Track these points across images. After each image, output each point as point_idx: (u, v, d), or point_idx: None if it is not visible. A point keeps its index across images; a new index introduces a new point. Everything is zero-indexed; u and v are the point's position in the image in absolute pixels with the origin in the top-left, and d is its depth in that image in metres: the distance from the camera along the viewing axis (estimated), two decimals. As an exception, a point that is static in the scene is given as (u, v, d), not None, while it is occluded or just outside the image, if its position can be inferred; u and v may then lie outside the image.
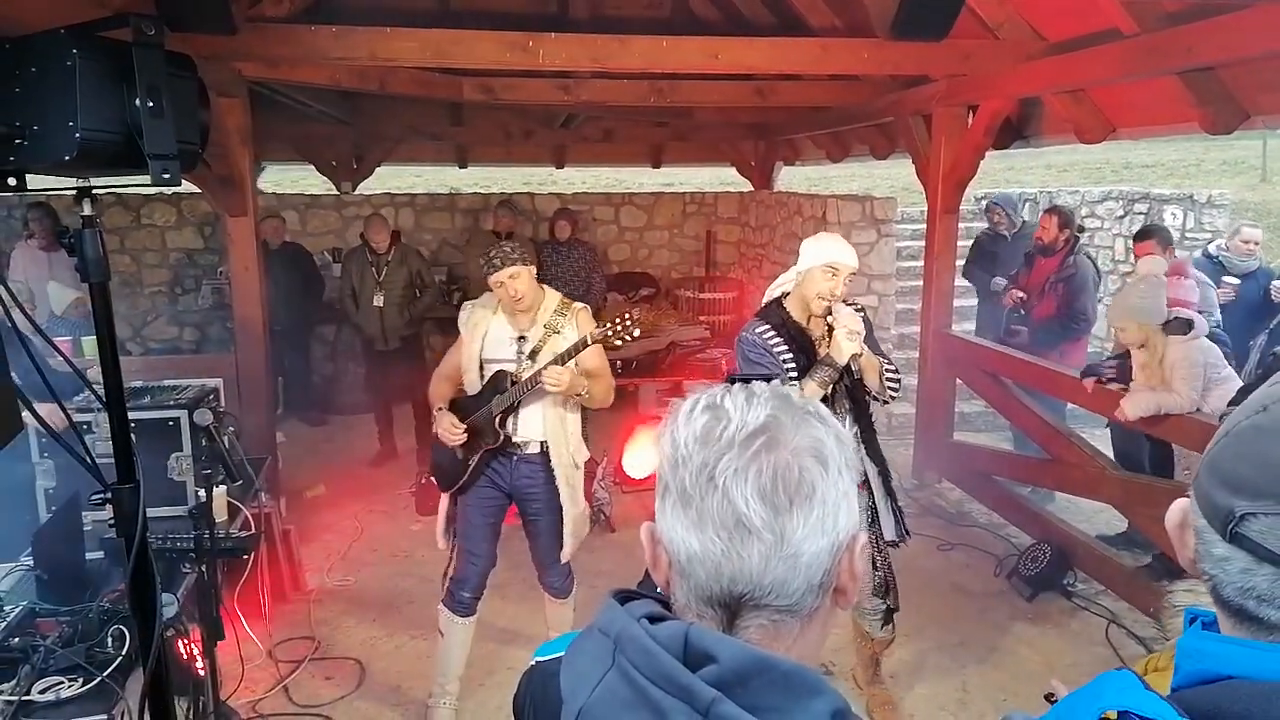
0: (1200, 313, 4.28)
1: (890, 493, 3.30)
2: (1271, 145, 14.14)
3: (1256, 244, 5.73)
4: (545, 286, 3.36)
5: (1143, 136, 5.42)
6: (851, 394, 3.19)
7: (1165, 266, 4.60)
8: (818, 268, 3.06)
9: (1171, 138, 10.25)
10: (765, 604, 0.78)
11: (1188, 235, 9.17)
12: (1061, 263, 5.63)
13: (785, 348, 3.09)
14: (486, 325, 3.31)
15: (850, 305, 3.11)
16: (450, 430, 3.24)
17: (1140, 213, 9.44)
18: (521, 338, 3.27)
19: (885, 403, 3.23)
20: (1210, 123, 4.21)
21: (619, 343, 3.12)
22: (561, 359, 3.10)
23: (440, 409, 3.33)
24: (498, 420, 3.22)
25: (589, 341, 3.09)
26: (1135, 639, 4.08)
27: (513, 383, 3.20)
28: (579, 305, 3.36)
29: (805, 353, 3.09)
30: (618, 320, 3.09)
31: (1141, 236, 5.26)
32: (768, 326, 3.14)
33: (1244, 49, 3.51)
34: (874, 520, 3.26)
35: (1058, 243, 5.67)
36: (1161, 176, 15.62)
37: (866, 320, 3.16)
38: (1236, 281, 5.47)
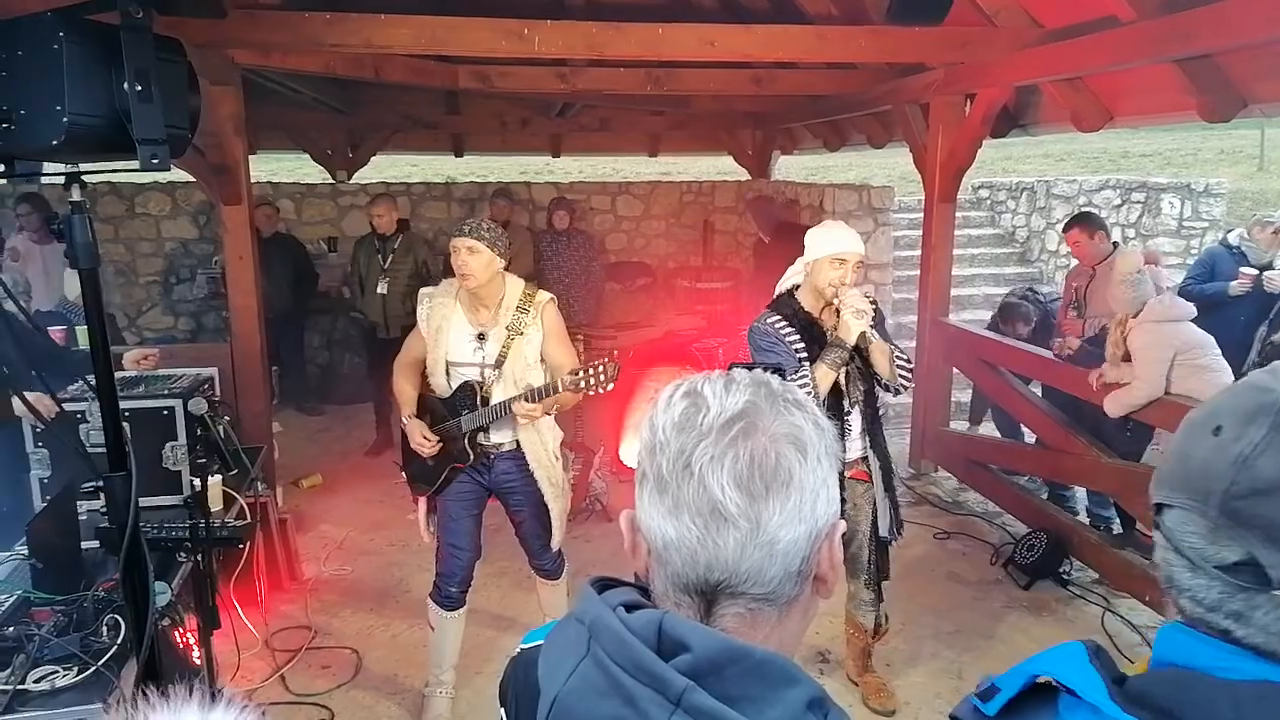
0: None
1: (890, 488, 3.30)
2: (1269, 134, 14.14)
3: None
4: (508, 275, 3.18)
5: (1140, 125, 5.38)
6: (864, 378, 3.19)
7: (1140, 263, 4.45)
8: (824, 259, 3.06)
9: (1169, 126, 10.23)
10: (742, 592, 0.77)
11: (1185, 224, 9.17)
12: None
13: (797, 336, 3.11)
14: (449, 325, 3.17)
15: (867, 298, 3.09)
16: (422, 443, 3.17)
17: (1138, 201, 9.44)
18: (481, 335, 3.15)
19: (896, 392, 3.23)
20: (1208, 111, 4.19)
21: (591, 393, 3.02)
22: (532, 396, 3.02)
23: (410, 416, 3.23)
24: (467, 440, 3.16)
25: (559, 388, 3.01)
26: (1131, 627, 4.09)
27: (483, 402, 3.11)
28: (544, 297, 3.19)
29: (817, 341, 3.11)
30: (591, 371, 2.96)
31: (1069, 225, 5.09)
32: (779, 317, 3.15)
33: (1242, 35, 3.49)
34: (875, 514, 3.27)
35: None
36: (1159, 165, 15.61)
37: (879, 311, 3.15)
38: (1255, 272, 5.32)
